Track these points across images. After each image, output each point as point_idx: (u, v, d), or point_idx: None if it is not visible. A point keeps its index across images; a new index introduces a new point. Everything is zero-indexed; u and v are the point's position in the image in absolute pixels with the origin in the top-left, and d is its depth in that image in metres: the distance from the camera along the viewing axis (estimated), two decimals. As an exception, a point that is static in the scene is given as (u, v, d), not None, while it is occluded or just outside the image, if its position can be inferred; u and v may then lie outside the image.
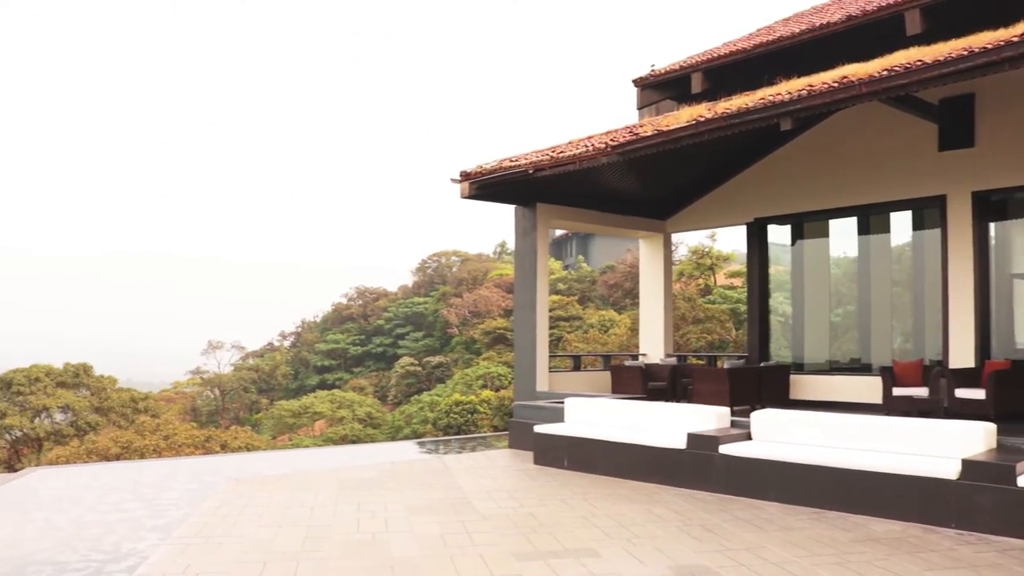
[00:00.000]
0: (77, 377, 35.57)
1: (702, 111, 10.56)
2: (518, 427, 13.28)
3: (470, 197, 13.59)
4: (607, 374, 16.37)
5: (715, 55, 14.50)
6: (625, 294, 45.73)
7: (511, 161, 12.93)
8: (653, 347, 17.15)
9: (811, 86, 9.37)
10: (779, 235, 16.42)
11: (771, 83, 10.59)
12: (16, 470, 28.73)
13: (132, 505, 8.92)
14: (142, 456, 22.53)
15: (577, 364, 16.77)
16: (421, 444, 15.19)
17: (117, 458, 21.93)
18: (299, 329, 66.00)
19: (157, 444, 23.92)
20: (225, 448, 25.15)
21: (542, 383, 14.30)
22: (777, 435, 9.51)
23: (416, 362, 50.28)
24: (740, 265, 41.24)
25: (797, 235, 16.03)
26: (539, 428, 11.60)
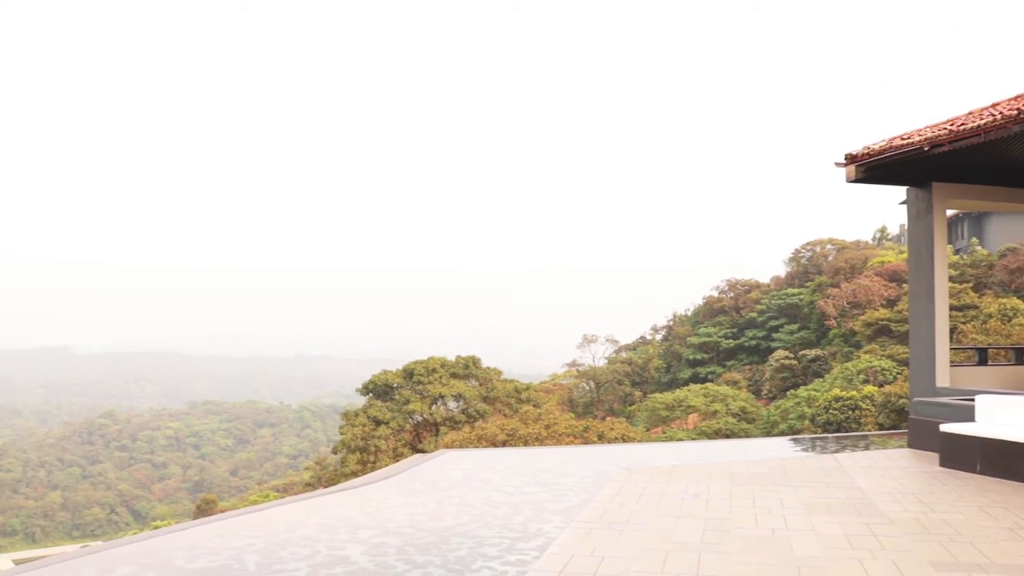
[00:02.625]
0: (467, 368, 38.61)
1: None
2: (919, 425, 12.30)
3: (856, 181, 12.86)
4: (1018, 369, 14.68)
5: None
6: (1030, 280, 40.84)
7: (902, 139, 12.00)
8: (1076, 339, 15.11)
9: None
10: None
11: None
12: (418, 450, 31.82)
13: (533, 489, 9.47)
14: (525, 443, 23.82)
15: (983, 358, 15.20)
16: (798, 441, 14.63)
17: (503, 444, 23.40)
18: (671, 323, 66.47)
19: (539, 432, 25.15)
20: (602, 438, 25.94)
21: (942, 378, 13.14)
22: None
23: (791, 355, 48.56)
24: None
25: None
26: (946, 427, 10.64)
